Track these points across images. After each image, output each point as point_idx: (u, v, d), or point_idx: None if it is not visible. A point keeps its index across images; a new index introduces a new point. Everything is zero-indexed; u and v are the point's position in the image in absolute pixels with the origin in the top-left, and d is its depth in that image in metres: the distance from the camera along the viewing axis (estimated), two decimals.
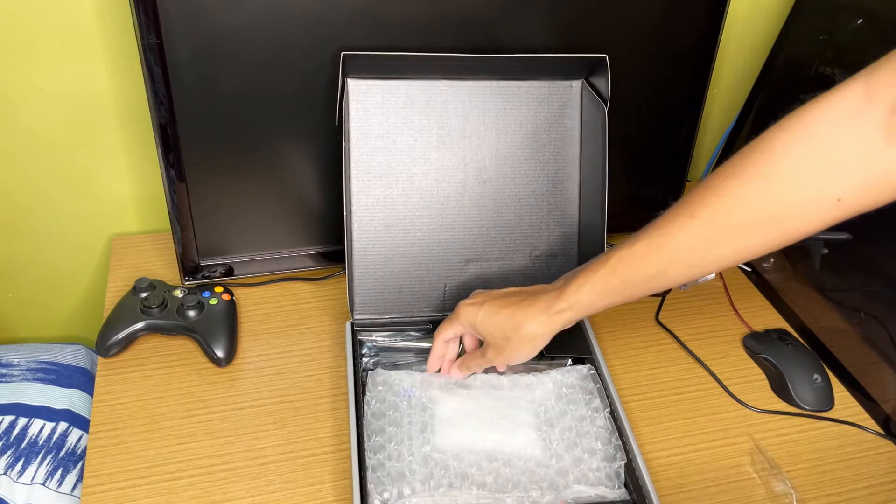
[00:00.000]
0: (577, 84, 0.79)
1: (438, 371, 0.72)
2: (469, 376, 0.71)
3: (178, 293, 0.79)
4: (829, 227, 0.53)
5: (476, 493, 0.62)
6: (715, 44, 0.85)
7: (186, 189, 0.79)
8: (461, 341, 0.72)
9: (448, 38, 0.76)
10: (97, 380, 0.74)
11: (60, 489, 0.74)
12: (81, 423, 0.80)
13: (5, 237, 0.92)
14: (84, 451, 0.74)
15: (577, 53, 0.76)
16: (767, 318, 0.88)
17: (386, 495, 0.61)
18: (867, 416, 0.77)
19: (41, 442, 0.77)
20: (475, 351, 0.70)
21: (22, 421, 0.78)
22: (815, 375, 0.78)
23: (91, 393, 0.81)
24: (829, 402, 0.77)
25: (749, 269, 0.95)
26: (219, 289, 0.81)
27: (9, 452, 0.75)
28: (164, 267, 0.89)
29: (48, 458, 0.76)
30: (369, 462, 0.63)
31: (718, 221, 0.55)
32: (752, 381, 0.80)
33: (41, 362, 0.85)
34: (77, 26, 0.78)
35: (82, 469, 0.67)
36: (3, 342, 0.96)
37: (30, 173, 0.87)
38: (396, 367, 0.74)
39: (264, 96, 0.76)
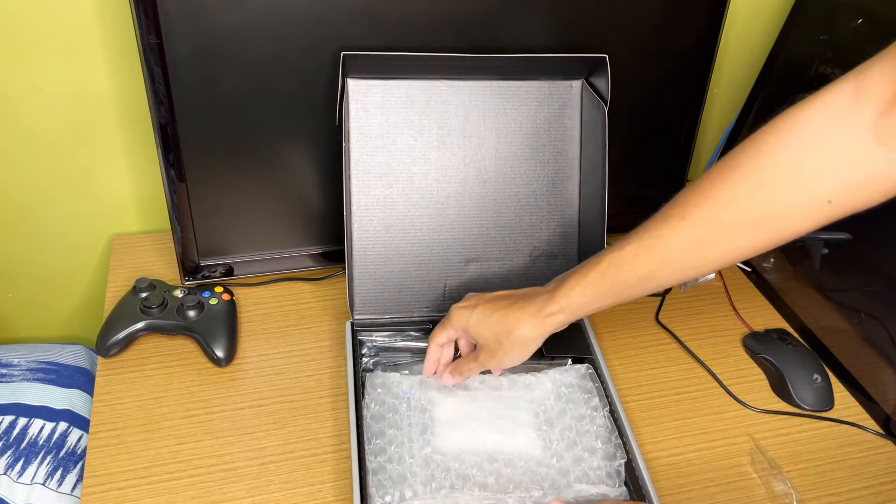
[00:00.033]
0: (577, 84, 0.79)
1: (435, 374, 0.72)
2: (460, 382, 0.71)
3: (178, 293, 0.79)
4: (825, 227, 0.53)
5: (478, 494, 0.62)
6: (715, 44, 0.85)
7: (186, 189, 0.79)
8: (457, 346, 0.72)
9: (448, 38, 0.76)
10: (97, 380, 0.74)
11: (60, 489, 0.74)
12: (81, 423, 0.80)
13: (5, 237, 0.92)
14: (84, 451, 0.74)
15: (577, 53, 0.76)
16: (767, 318, 0.88)
17: (388, 498, 0.61)
18: (867, 416, 0.77)
19: (41, 442, 0.77)
20: (468, 355, 0.70)
21: (22, 421, 0.78)
22: (815, 375, 0.78)
23: (91, 393, 0.81)
24: (829, 402, 0.77)
25: (749, 269, 0.95)
26: (219, 289, 0.81)
27: (9, 452, 0.75)
28: (164, 267, 0.89)
29: (48, 458, 0.76)
30: (370, 465, 0.63)
31: (709, 223, 0.55)
32: (752, 381, 0.80)
33: (41, 362, 0.85)
34: (77, 26, 0.78)
35: (82, 469, 0.67)
36: (3, 342, 0.96)
37: (30, 173, 0.87)
38: (396, 367, 0.74)
39: (264, 96, 0.76)
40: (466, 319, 0.67)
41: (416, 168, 0.77)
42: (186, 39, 0.70)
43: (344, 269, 0.84)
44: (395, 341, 0.77)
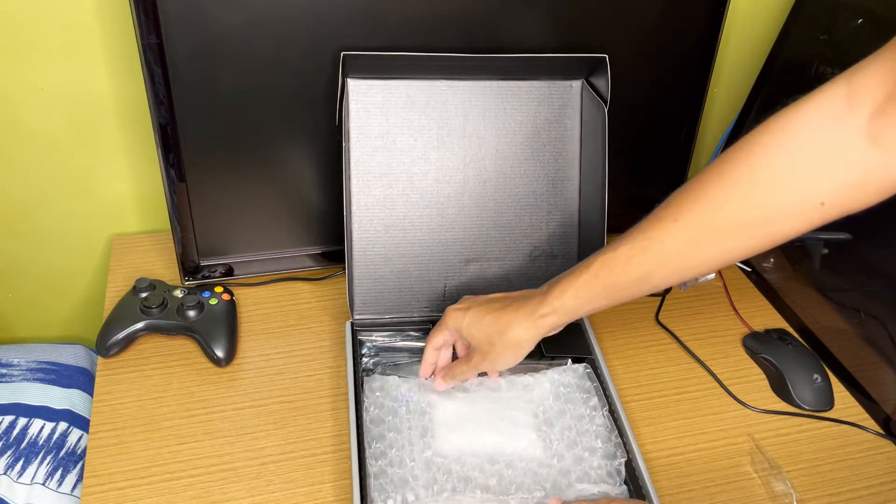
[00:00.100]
0: (577, 84, 0.79)
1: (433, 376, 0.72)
2: (453, 386, 0.71)
3: (178, 293, 0.79)
4: (824, 227, 0.53)
5: (480, 496, 0.61)
6: (715, 44, 0.85)
7: (186, 189, 0.79)
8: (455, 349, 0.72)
9: (448, 38, 0.76)
10: (97, 380, 0.74)
11: (60, 489, 0.74)
12: (81, 423, 0.80)
13: (5, 237, 0.92)
14: (84, 451, 0.74)
15: (577, 53, 0.76)
16: (767, 318, 0.88)
17: (390, 503, 0.61)
18: (867, 416, 0.77)
19: (41, 442, 0.77)
20: (461, 358, 0.70)
21: (22, 421, 0.78)
22: (815, 375, 0.78)
23: (91, 393, 0.81)
24: (829, 402, 0.77)
25: (749, 269, 0.95)
26: (219, 289, 0.81)
27: (9, 452, 0.75)
28: (164, 267, 0.89)
29: (48, 458, 0.76)
30: (371, 469, 0.63)
31: (702, 224, 0.55)
32: (752, 381, 0.80)
33: (41, 362, 0.85)
34: (77, 26, 0.78)
35: (82, 469, 0.67)
36: (3, 342, 0.96)
37: (30, 173, 0.87)
38: (396, 367, 0.74)
39: (264, 96, 0.76)
40: (460, 321, 0.67)
41: (416, 168, 0.77)
42: (186, 39, 0.70)
43: (344, 269, 0.84)
44: (395, 341, 0.77)
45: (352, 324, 0.77)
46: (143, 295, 0.78)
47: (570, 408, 0.69)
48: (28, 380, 0.83)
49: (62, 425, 0.79)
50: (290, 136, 0.79)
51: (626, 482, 0.65)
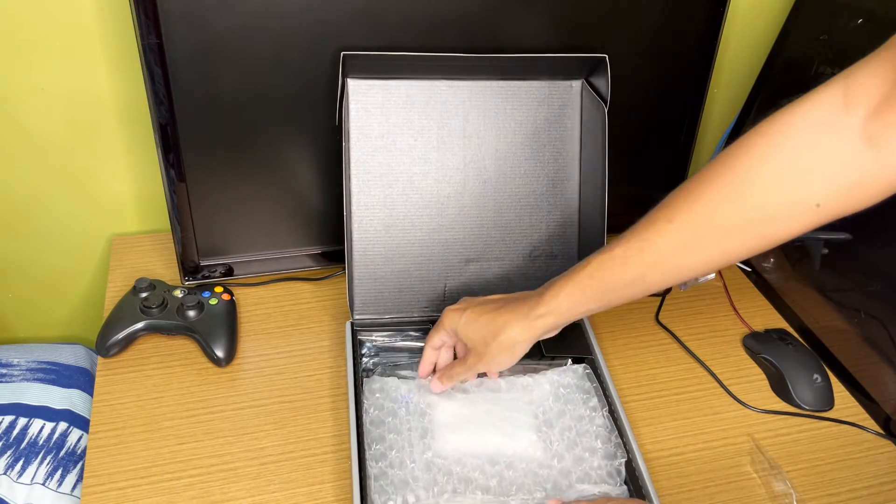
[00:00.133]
0: (577, 84, 0.79)
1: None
2: (451, 388, 0.70)
3: (178, 293, 0.79)
4: (824, 227, 0.53)
5: (481, 497, 0.61)
6: (715, 44, 0.85)
7: (186, 189, 0.79)
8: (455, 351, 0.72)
9: (448, 38, 0.76)
10: (97, 380, 0.74)
11: (60, 489, 0.74)
12: (81, 423, 0.80)
13: (5, 237, 0.92)
14: (84, 451, 0.74)
15: (577, 53, 0.76)
16: (767, 318, 0.88)
17: None
18: (867, 416, 0.77)
19: (41, 442, 0.77)
20: (458, 359, 0.70)
21: (22, 421, 0.78)
22: (815, 375, 0.78)
23: (91, 393, 0.81)
24: (829, 402, 0.77)
25: (749, 269, 0.95)
26: (219, 289, 0.81)
27: (9, 452, 0.75)
28: (164, 267, 0.89)
29: (48, 458, 0.76)
30: (371, 471, 0.63)
31: (697, 226, 0.55)
32: (752, 381, 0.80)
33: (41, 362, 0.85)
34: (77, 26, 0.78)
35: (82, 469, 0.67)
36: (3, 342, 0.96)
37: (30, 173, 0.87)
38: (396, 367, 0.74)
39: (264, 96, 0.76)
40: (456, 321, 0.67)
41: (416, 168, 0.77)
42: (186, 39, 0.70)
43: (344, 269, 0.84)
44: (395, 341, 0.77)
45: (352, 324, 0.77)
46: (143, 295, 0.78)
47: (570, 408, 0.69)
48: (28, 380, 0.83)
49: (62, 425, 0.79)
50: (290, 136, 0.79)
51: (626, 482, 0.65)
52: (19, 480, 0.73)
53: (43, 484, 0.74)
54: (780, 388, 0.78)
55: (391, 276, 0.78)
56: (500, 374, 0.72)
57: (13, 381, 0.82)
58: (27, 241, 0.93)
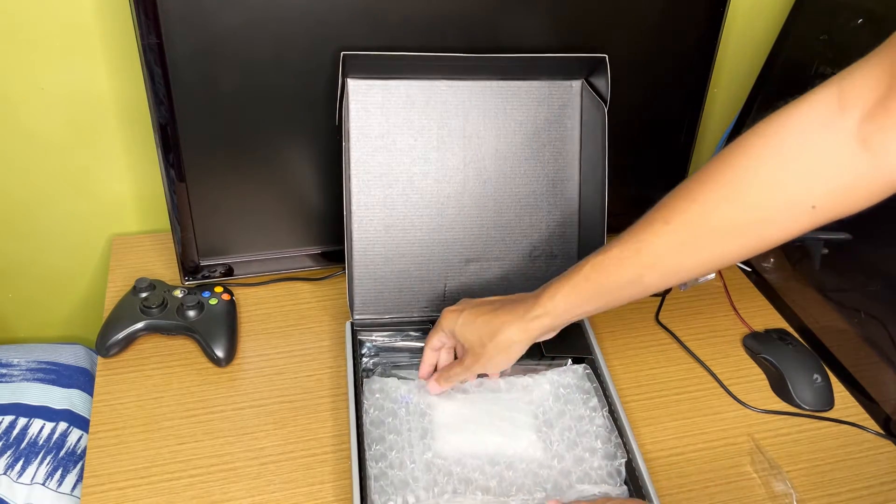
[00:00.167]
0: (577, 84, 0.79)
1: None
2: (449, 388, 0.70)
3: (178, 293, 0.79)
4: (824, 227, 0.53)
5: (481, 497, 0.61)
6: (715, 44, 0.85)
7: (186, 189, 0.79)
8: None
9: (448, 38, 0.76)
10: (97, 380, 0.74)
11: (60, 489, 0.74)
12: (81, 423, 0.80)
13: (5, 237, 0.92)
14: (84, 451, 0.74)
15: (577, 53, 0.76)
16: (767, 318, 0.88)
17: None
18: (867, 416, 0.77)
19: (41, 442, 0.77)
20: (455, 360, 0.70)
21: (22, 421, 0.78)
22: (815, 375, 0.78)
23: (91, 393, 0.81)
24: (829, 402, 0.77)
25: (749, 269, 0.95)
26: (219, 289, 0.81)
27: (9, 452, 0.75)
28: (164, 267, 0.89)
29: (48, 458, 0.76)
30: (371, 471, 0.63)
31: (693, 227, 0.55)
32: (752, 381, 0.80)
33: (41, 362, 0.85)
34: (77, 26, 0.78)
35: (82, 469, 0.67)
36: (3, 342, 0.96)
37: (30, 173, 0.87)
38: (396, 367, 0.74)
39: (264, 96, 0.76)
40: (454, 322, 0.67)
41: (416, 168, 0.77)
42: (186, 39, 0.70)
43: (344, 269, 0.84)
44: (395, 341, 0.77)
45: (352, 324, 0.77)
46: (143, 295, 0.78)
47: (570, 408, 0.69)
48: (28, 380, 0.83)
49: (62, 425, 0.79)
50: (290, 136, 0.79)
51: (626, 482, 0.65)
52: (19, 480, 0.73)
53: (43, 484, 0.74)
54: (780, 388, 0.78)
55: (391, 276, 0.78)
56: (501, 375, 0.72)
57: (13, 381, 0.82)
58: (27, 241, 0.93)
